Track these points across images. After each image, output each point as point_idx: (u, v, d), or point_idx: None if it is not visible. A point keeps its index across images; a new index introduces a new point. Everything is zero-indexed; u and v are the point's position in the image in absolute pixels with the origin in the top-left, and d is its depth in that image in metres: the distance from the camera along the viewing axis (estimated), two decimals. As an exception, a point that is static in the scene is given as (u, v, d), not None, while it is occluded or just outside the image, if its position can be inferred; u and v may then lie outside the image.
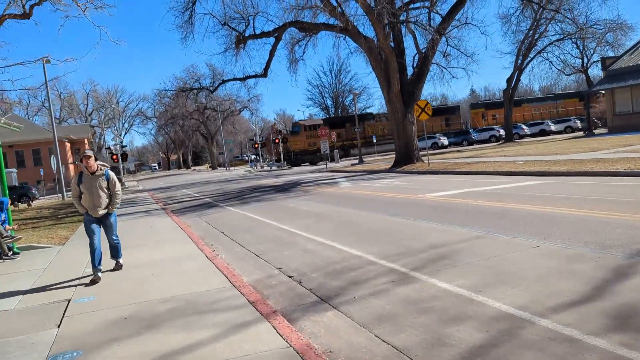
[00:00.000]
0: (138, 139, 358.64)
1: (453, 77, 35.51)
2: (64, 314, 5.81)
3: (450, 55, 29.38)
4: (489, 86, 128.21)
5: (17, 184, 33.05)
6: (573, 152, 22.14)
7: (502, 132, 50.55)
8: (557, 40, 45.03)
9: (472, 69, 40.61)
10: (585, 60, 48.66)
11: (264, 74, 31.51)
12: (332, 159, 48.79)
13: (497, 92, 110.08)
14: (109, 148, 50.63)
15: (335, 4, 25.47)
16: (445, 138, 52.81)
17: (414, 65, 28.43)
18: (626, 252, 6.03)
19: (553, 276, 5.49)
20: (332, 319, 5.07)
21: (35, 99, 78.37)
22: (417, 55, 28.20)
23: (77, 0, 16.17)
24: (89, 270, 7.65)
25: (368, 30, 35.06)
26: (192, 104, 72.58)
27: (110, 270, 7.82)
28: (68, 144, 51.61)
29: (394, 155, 29.44)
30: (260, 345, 4.36)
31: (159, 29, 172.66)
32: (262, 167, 56.56)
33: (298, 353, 4.10)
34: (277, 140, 51.64)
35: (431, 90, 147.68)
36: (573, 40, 45.75)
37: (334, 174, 29.82)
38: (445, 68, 30.73)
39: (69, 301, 6.36)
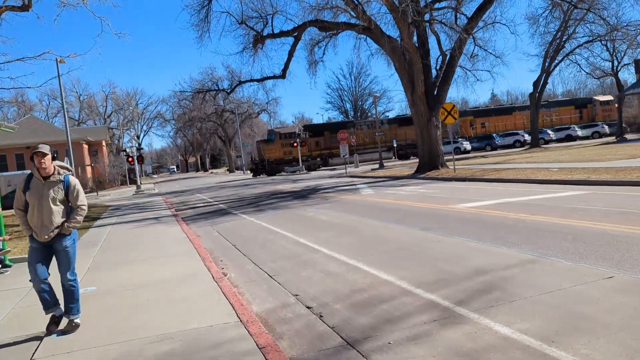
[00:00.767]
0: (157, 141, 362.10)
1: (477, 79, 34.34)
2: (32, 356, 4.77)
3: (477, 55, 28.16)
4: (511, 90, 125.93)
5: None
6: (610, 159, 20.68)
7: (526, 137, 48.98)
8: (587, 42, 43.22)
9: (497, 72, 39.48)
10: (616, 63, 46.75)
11: (283, 75, 30.53)
12: (310, 168, 49.60)
13: (521, 96, 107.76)
14: (124, 150, 50.14)
15: (356, 2, 24.39)
16: (468, 143, 51.27)
17: (437, 67, 27.21)
18: None
19: (645, 322, 4.30)
20: (363, 376, 3.95)
21: (55, 101, 79.03)
22: (441, 57, 27.03)
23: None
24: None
25: (390, 31, 33.87)
26: (209, 107, 71.96)
27: (61, 332, 5.29)
28: (85, 146, 51.28)
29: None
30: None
31: (174, 27, 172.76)
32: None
33: None
34: (294, 145, 50.30)
35: (453, 94, 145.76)
36: (603, 42, 43.86)
37: (354, 179, 28.69)
38: (469, 70, 29.66)
39: (42, 340, 5.21)
